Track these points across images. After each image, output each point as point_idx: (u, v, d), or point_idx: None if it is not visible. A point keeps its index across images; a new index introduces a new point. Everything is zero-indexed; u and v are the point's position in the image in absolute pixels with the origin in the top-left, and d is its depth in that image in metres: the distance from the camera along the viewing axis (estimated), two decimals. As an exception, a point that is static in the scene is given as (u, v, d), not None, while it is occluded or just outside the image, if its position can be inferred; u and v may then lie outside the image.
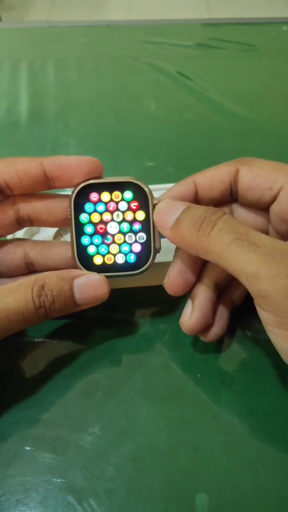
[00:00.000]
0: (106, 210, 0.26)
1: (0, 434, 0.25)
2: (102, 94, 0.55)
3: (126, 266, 0.26)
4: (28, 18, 2.02)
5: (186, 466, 0.24)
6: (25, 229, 0.31)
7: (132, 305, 0.31)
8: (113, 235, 0.26)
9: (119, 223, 0.26)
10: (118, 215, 0.26)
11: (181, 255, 0.27)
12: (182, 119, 0.50)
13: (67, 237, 0.34)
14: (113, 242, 0.26)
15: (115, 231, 0.26)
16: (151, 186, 0.26)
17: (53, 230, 0.33)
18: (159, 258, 0.27)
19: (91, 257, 0.26)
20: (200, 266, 0.27)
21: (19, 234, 0.32)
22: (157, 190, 0.27)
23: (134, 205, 0.26)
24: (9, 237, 0.30)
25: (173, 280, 0.27)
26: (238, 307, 0.29)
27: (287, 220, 0.25)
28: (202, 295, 0.27)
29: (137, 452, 0.24)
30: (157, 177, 0.43)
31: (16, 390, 0.27)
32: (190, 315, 0.26)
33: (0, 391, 0.27)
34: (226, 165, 0.26)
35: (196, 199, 0.26)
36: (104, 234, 0.26)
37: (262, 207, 0.26)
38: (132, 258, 0.26)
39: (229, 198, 0.27)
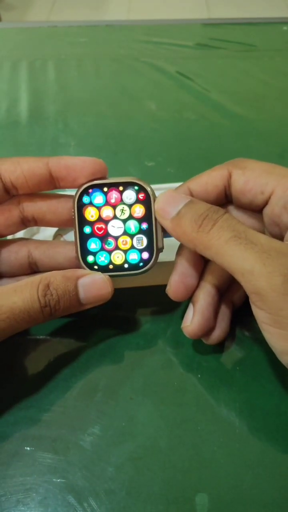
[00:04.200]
0: (110, 211, 0.26)
1: (0, 434, 0.25)
2: (102, 94, 0.55)
3: (129, 266, 0.27)
4: (28, 18, 2.02)
5: (186, 466, 0.24)
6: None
7: (133, 304, 0.31)
8: (117, 236, 0.26)
9: (123, 222, 0.26)
10: (121, 215, 0.26)
11: (182, 261, 0.27)
12: (182, 119, 0.50)
13: (66, 237, 0.34)
14: (117, 242, 0.27)
15: (119, 231, 0.26)
16: (151, 186, 0.26)
17: (53, 230, 0.33)
18: (160, 257, 0.27)
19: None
20: (200, 271, 0.27)
21: (19, 234, 0.32)
22: (157, 190, 0.27)
23: (136, 206, 0.26)
24: (9, 237, 0.30)
25: (175, 287, 0.27)
26: (239, 308, 0.29)
27: (279, 224, 0.25)
28: (203, 299, 0.27)
29: (137, 452, 0.24)
30: (157, 177, 0.43)
31: (16, 390, 0.27)
32: (192, 320, 0.26)
33: (0, 391, 0.27)
34: (219, 169, 0.26)
35: None
36: (108, 234, 0.27)
37: (256, 210, 0.26)
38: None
39: (224, 200, 0.27)
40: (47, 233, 0.33)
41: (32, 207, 0.28)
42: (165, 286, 0.27)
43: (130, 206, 0.26)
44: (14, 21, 1.92)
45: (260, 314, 0.22)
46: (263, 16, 0.74)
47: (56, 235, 0.34)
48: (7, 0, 2.13)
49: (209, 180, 0.26)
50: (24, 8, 2.09)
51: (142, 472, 0.24)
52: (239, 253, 0.21)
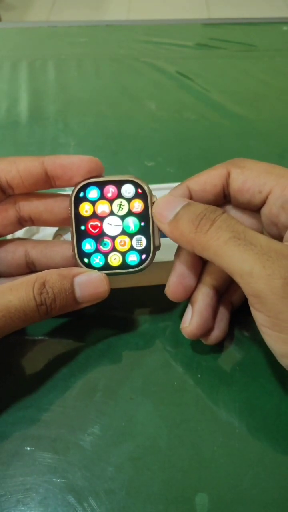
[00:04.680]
0: (107, 208, 0.26)
1: (0, 434, 0.25)
2: (102, 94, 0.55)
3: (126, 264, 0.27)
4: (28, 18, 2.02)
5: (186, 466, 0.24)
6: (25, 228, 0.32)
7: (132, 304, 0.31)
8: (114, 236, 0.26)
9: (121, 219, 0.26)
10: (119, 210, 0.26)
11: (180, 262, 0.27)
12: (182, 119, 0.50)
13: (66, 237, 0.34)
14: (114, 242, 0.27)
15: (117, 230, 0.26)
16: (151, 186, 0.26)
17: (53, 230, 0.33)
18: (159, 257, 0.27)
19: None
20: (199, 272, 0.27)
21: (19, 234, 0.32)
22: (157, 190, 0.27)
23: (134, 203, 0.26)
24: (8, 237, 0.30)
25: (174, 287, 0.27)
26: (238, 308, 0.29)
27: (277, 223, 0.25)
28: (202, 300, 0.27)
29: (137, 452, 0.24)
30: (157, 177, 0.43)
31: (16, 390, 0.27)
32: (190, 321, 0.26)
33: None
34: (218, 168, 0.26)
35: None
36: (104, 233, 0.26)
37: (254, 209, 0.26)
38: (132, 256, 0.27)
39: (223, 200, 0.27)
40: (47, 233, 0.33)
41: (28, 207, 0.28)
42: (163, 286, 0.27)
43: (129, 200, 0.26)
44: (14, 21, 1.92)
45: (259, 316, 0.22)
46: (263, 16, 0.74)
47: (56, 235, 0.34)
48: (7, 0, 2.13)
49: (208, 179, 0.26)
50: (24, 8, 2.09)
51: (141, 472, 0.24)
52: (238, 254, 0.21)
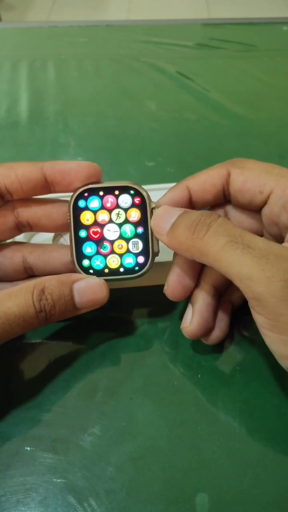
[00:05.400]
0: (106, 216, 0.26)
1: (1, 434, 0.25)
2: (102, 94, 0.55)
3: (125, 270, 0.27)
4: (28, 18, 2.02)
5: (186, 466, 0.24)
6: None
7: (132, 305, 0.31)
8: (113, 240, 0.26)
9: (119, 226, 0.26)
10: (117, 219, 0.26)
11: (179, 262, 0.27)
12: (182, 119, 0.50)
13: (66, 237, 0.34)
14: (113, 246, 0.27)
15: (115, 235, 0.26)
16: (151, 186, 0.26)
17: (53, 230, 0.33)
18: (158, 257, 0.27)
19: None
20: (198, 271, 0.27)
21: (19, 235, 0.31)
22: (157, 190, 0.27)
23: (131, 212, 0.26)
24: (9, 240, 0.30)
25: (173, 287, 0.27)
26: (238, 308, 0.29)
27: (278, 223, 0.25)
28: (202, 300, 0.27)
29: (137, 452, 0.24)
30: (157, 177, 0.43)
31: (17, 392, 0.27)
32: (191, 321, 0.26)
33: (1, 392, 0.27)
34: (218, 168, 0.26)
35: (191, 204, 0.27)
36: (104, 238, 0.26)
37: (255, 210, 0.26)
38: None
39: (223, 200, 0.27)
40: (46, 233, 0.33)
41: (27, 212, 0.28)
42: (163, 286, 0.27)
43: (126, 210, 0.26)
44: (14, 21, 1.92)
45: (259, 319, 0.22)
46: (263, 16, 0.74)
47: (56, 235, 0.34)
48: (7, 0, 2.13)
49: (208, 179, 0.26)
50: (24, 8, 2.09)
51: (142, 472, 0.24)
52: (236, 258, 0.21)
